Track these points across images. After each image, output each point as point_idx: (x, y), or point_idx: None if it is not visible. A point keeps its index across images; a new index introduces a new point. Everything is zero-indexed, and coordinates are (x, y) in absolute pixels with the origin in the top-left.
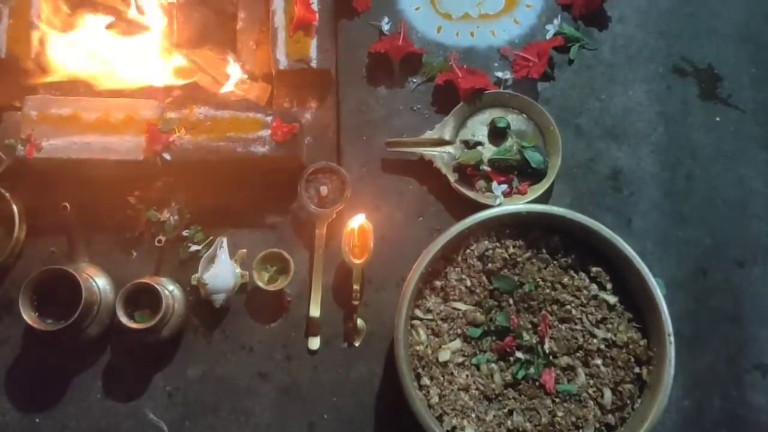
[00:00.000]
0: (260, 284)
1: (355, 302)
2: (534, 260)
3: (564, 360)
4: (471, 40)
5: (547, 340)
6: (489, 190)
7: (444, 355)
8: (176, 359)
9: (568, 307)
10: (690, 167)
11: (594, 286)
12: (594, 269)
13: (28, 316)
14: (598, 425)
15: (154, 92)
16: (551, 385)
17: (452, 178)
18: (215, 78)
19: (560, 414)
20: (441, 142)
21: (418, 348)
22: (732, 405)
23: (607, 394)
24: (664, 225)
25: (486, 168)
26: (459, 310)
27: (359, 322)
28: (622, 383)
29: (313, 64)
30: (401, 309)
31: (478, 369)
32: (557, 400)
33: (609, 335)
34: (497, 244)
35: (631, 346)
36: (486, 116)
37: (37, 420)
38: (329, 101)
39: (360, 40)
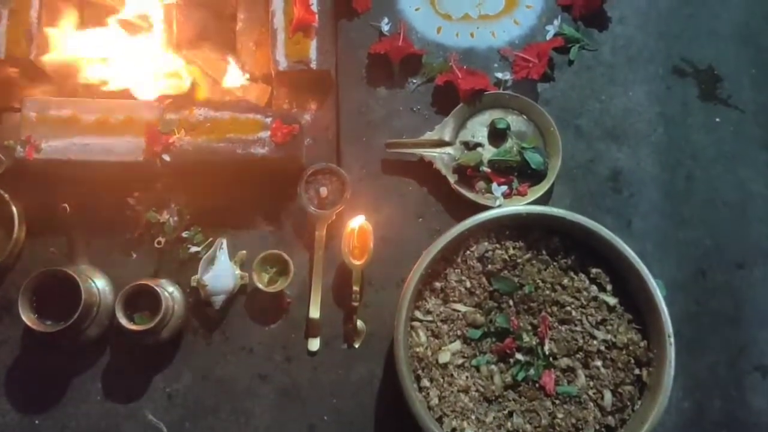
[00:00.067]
0: (260, 285)
1: (355, 303)
2: (534, 261)
3: (564, 361)
4: (471, 40)
5: (547, 341)
6: (489, 191)
7: (444, 357)
8: (176, 361)
9: (568, 308)
10: (690, 168)
11: (594, 288)
12: (594, 270)
13: (28, 318)
14: (598, 427)
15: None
16: (551, 386)
17: (452, 179)
18: (215, 79)
19: (560, 416)
20: (441, 143)
21: (418, 349)
22: (732, 406)
23: (607, 395)
24: (664, 226)
25: (486, 169)
26: (459, 311)
27: (359, 323)
28: (622, 385)
29: (313, 65)
30: (401, 310)
31: (478, 370)
32: (557, 401)
33: (609, 337)
34: (497, 245)
35: (631, 348)
36: (486, 117)
37: (36, 421)
38: (329, 102)
39: (360, 41)
